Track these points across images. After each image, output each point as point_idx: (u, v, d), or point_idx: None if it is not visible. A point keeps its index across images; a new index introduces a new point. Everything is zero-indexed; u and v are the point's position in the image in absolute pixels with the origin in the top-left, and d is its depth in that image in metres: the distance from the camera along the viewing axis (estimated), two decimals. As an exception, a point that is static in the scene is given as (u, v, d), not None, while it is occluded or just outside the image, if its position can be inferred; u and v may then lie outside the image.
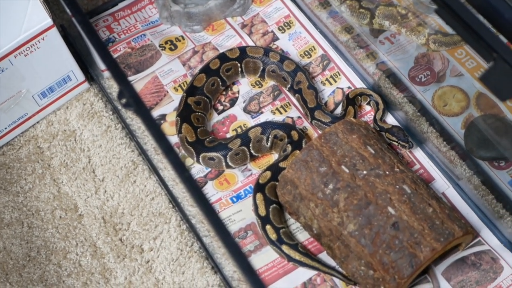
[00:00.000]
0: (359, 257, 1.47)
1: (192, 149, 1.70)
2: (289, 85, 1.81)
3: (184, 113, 1.75)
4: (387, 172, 1.51)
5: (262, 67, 1.83)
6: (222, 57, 1.83)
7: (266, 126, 1.71)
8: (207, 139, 1.71)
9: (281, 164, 1.65)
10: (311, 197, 1.53)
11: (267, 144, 1.71)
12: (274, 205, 1.61)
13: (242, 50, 1.84)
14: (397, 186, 1.49)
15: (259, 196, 1.62)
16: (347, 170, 1.52)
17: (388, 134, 1.69)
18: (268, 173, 1.64)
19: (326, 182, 1.52)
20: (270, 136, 1.70)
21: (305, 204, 1.54)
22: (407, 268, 1.41)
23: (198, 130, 1.72)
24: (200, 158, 1.70)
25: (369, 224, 1.46)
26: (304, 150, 1.57)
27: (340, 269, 1.55)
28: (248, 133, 1.70)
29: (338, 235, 1.49)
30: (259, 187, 1.63)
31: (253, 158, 1.72)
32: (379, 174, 1.51)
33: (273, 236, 1.57)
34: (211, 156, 1.68)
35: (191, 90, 1.79)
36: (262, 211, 1.60)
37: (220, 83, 1.82)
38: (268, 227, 1.58)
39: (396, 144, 1.68)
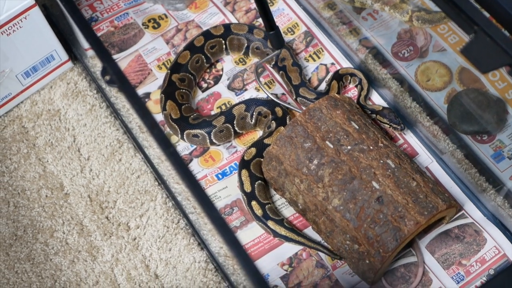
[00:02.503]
0: (344, 232, 1.48)
1: (176, 126, 1.70)
2: (273, 62, 1.81)
3: (169, 90, 1.75)
4: (371, 147, 1.52)
5: (246, 44, 1.83)
6: (207, 34, 1.83)
7: (250, 103, 1.72)
8: (192, 116, 1.71)
9: (266, 141, 1.65)
10: (296, 173, 1.54)
11: (251, 121, 1.71)
12: (259, 181, 1.62)
13: (227, 27, 1.84)
14: (381, 161, 1.50)
15: (244, 172, 1.62)
16: (331, 146, 1.52)
17: (379, 116, 1.68)
18: (253, 150, 1.65)
19: (310, 157, 1.53)
20: (254, 113, 1.70)
21: (290, 180, 1.55)
22: (392, 241, 1.43)
23: (183, 107, 1.72)
24: (184, 135, 1.70)
25: (354, 199, 1.47)
26: (288, 126, 1.57)
27: (325, 244, 1.56)
28: (232, 110, 1.70)
29: (323, 210, 1.50)
30: (244, 164, 1.64)
31: (237, 135, 1.73)
32: (363, 149, 1.52)
33: (258, 212, 1.58)
34: (195, 133, 1.69)
35: (175, 67, 1.78)
36: (247, 188, 1.61)
37: (205, 60, 1.82)
38: (253, 203, 1.59)
39: (388, 126, 1.68)
